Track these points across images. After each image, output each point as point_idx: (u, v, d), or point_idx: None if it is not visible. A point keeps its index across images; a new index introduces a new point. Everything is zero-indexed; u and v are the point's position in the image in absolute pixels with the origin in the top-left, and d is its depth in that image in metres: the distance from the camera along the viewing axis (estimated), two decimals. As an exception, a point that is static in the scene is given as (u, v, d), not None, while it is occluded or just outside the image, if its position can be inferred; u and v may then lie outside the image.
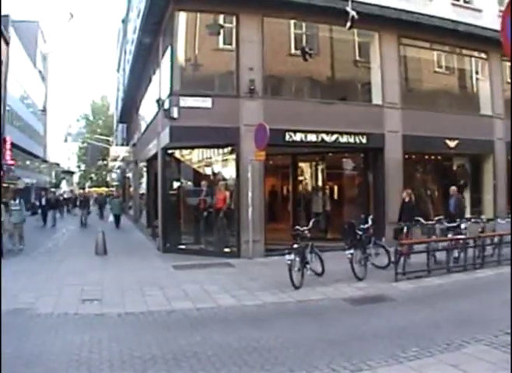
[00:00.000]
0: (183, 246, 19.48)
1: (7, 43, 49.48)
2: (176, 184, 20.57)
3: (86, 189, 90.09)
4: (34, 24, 71.76)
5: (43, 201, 36.90)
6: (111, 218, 35.48)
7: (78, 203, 44.38)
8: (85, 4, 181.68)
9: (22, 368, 7.02)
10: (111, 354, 7.62)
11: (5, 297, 11.14)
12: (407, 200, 16.54)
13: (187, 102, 17.56)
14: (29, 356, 7.49)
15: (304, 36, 19.51)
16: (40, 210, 37.35)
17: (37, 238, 24.31)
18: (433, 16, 19.72)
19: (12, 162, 51.05)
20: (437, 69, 22.03)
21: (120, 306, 10.73)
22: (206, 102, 17.61)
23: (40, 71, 77.07)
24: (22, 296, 11.67)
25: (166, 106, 18.01)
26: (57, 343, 8.19)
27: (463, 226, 15.77)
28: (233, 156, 18.48)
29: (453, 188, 18.09)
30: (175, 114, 17.45)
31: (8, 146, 49.50)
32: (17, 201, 20.63)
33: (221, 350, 7.68)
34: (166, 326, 9.21)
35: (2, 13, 48.39)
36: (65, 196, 55.66)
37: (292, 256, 12.13)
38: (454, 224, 15.68)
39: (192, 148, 20.25)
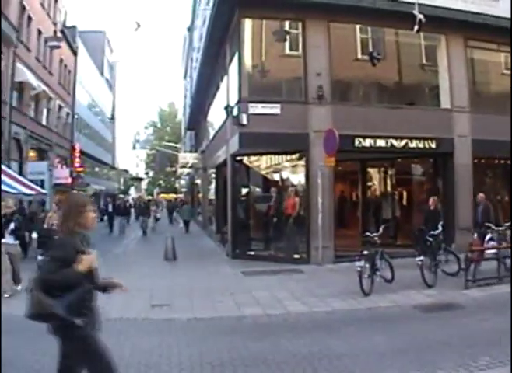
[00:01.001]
0: (252, 252, 19.52)
1: (75, 53, 50.84)
2: (244, 190, 20.63)
3: (154, 196, 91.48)
4: (101, 34, 73.40)
5: (110, 208, 36.94)
6: (181, 224, 35.96)
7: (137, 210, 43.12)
8: (150, 13, 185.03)
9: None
10: (181, 359, 7.71)
11: None
12: (432, 208, 15.88)
13: (255, 108, 17.59)
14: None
15: (370, 41, 19.33)
16: (106, 217, 37.23)
17: (105, 245, 24.77)
18: (499, 17, 19.17)
19: (81, 169, 52.07)
20: (505, 71, 21.45)
21: (189, 311, 10.86)
22: (275, 109, 17.62)
23: (107, 80, 78.72)
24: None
25: (235, 112, 18.08)
26: (127, 347, 8.32)
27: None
28: (302, 162, 18.47)
29: (481, 195, 17.30)
30: (244, 121, 17.48)
31: (77, 153, 50.51)
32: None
33: (291, 356, 7.68)
34: (236, 332, 9.25)
35: (70, 24, 49.87)
36: (131, 202, 55.72)
37: (362, 263, 12.10)
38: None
39: (261, 154, 20.32)
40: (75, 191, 51.55)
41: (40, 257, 15.26)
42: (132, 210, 45.77)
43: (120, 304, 11.58)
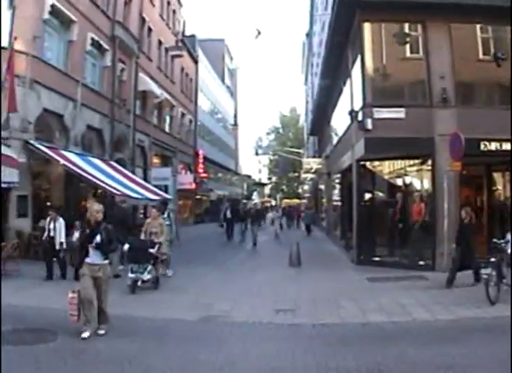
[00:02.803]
0: (377, 258, 19.28)
1: (195, 62, 52.44)
2: (368, 195, 20.47)
3: (278, 201, 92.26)
4: (220, 42, 75.17)
5: (228, 213, 33.44)
6: (303, 227, 36.04)
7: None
8: (269, 19, 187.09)
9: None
10: (305, 365, 7.79)
11: (200, 304, 12.14)
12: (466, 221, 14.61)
13: (380, 113, 17.46)
14: (224, 363, 7.86)
15: (491, 41, 18.67)
16: (225, 224, 33.57)
17: (224, 252, 25.17)
18: None
19: (204, 175, 53.28)
20: None
21: (314, 317, 10.89)
22: (400, 113, 17.40)
23: (228, 87, 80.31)
24: (217, 304, 12.32)
25: (360, 117, 18.07)
26: (252, 351, 8.53)
27: None
28: (426, 166, 18.14)
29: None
30: (369, 126, 17.42)
31: (200, 159, 51.77)
32: (165, 215, 18.11)
33: (415, 365, 7.63)
34: (361, 339, 9.23)
35: (189, 33, 51.34)
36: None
37: (488, 270, 11.72)
38: None
39: (386, 159, 20.08)
40: (198, 196, 53.09)
41: (131, 275, 13.82)
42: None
43: (246, 308, 11.85)
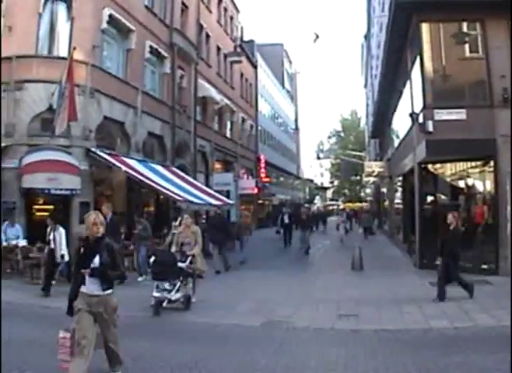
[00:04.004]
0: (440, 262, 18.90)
1: (254, 67, 52.72)
2: (430, 198, 20.24)
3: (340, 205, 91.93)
4: (279, 46, 75.39)
5: (286, 218, 31.92)
6: (361, 230, 35.95)
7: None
8: (326, 22, 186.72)
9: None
10: (366, 370, 7.78)
11: (262, 310, 12.25)
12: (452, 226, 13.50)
13: (441, 115, 17.28)
14: (285, 368, 7.93)
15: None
16: (282, 230, 32.04)
17: (288, 256, 25.14)
18: None
19: (267, 179, 53.45)
20: None
21: (376, 322, 10.87)
22: (460, 114, 17.18)
23: (288, 91, 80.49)
24: (279, 309, 12.38)
25: (421, 119, 17.90)
26: (313, 356, 8.52)
27: None
28: (488, 168, 17.79)
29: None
30: (430, 128, 17.24)
31: (262, 164, 51.98)
32: (177, 223, 17.34)
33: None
34: (423, 345, 9.13)
35: (247, 39, 51.81)
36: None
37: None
38: None
39: (446, 161, 19.72)
40: (260, 201, 53.28)
41: (156, 294, 11.99)
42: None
43: (308, 313, 11.89)
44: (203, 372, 7.77)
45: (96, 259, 7.06)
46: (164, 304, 12.00)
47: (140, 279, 16.95)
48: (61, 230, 14.78)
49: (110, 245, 7.32)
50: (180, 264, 12.56)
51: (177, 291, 12.25)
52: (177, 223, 16.97)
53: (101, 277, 7.08)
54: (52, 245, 14.57)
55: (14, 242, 17.42)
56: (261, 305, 12.92)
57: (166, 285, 12.13)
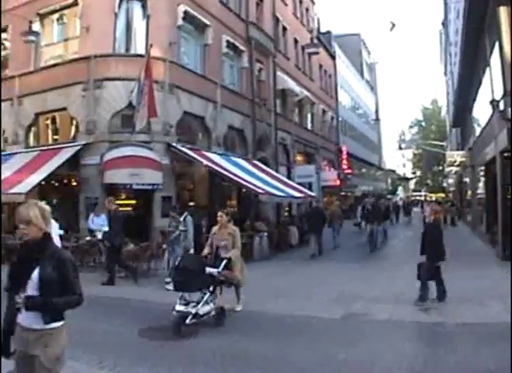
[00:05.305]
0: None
1: (333, 58, 52.49)
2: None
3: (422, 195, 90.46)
4: (356, 37, 74.96)
5: (359, 211, 31.14)
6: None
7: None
8: (403, 10, 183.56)
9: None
10: (446, 365, 7.64)
11: (341, 302, 12.14)
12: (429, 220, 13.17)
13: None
14: (363, 362, 7.84)
15: None
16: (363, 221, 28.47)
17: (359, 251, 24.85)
18: None
19: (349, 171, 53.19)
20: None
21: (457, 316, 10.58)
22: (543, 100, 16.54)
23: (367, 82, 79.86)
24: (358, 301, 12.26)
25: (501, 107, 17.33)
26: (390, 350, 8.39)
27: None
28: None
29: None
30: (510, 115, 16.65)
31: (344, 155, 51.78)
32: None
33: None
34: (504, 340, 8.73)
35: (324, 30, 51.68)
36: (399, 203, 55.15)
37: None
38: None
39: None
40: (342, 193, 52.99)
41: (179, 307, 9.63)
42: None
43: (387, 306, 11.73)
44: (279, 363, 7.77)
45: (35, 275, 4.31)
46: (187, 320, 9.38)
47: (169, 287, 12.73)
48: (53, 222, 13.01)
49: (62, 256, 4.49)
50: (209, 270, 10.13)
51: (206, 302, 9.92)
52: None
53: (40, 310, 4.31)
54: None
55: (100, 231, 17.62)
56: (339, 297, 12.82)
57: (192, 296, 9.99)
